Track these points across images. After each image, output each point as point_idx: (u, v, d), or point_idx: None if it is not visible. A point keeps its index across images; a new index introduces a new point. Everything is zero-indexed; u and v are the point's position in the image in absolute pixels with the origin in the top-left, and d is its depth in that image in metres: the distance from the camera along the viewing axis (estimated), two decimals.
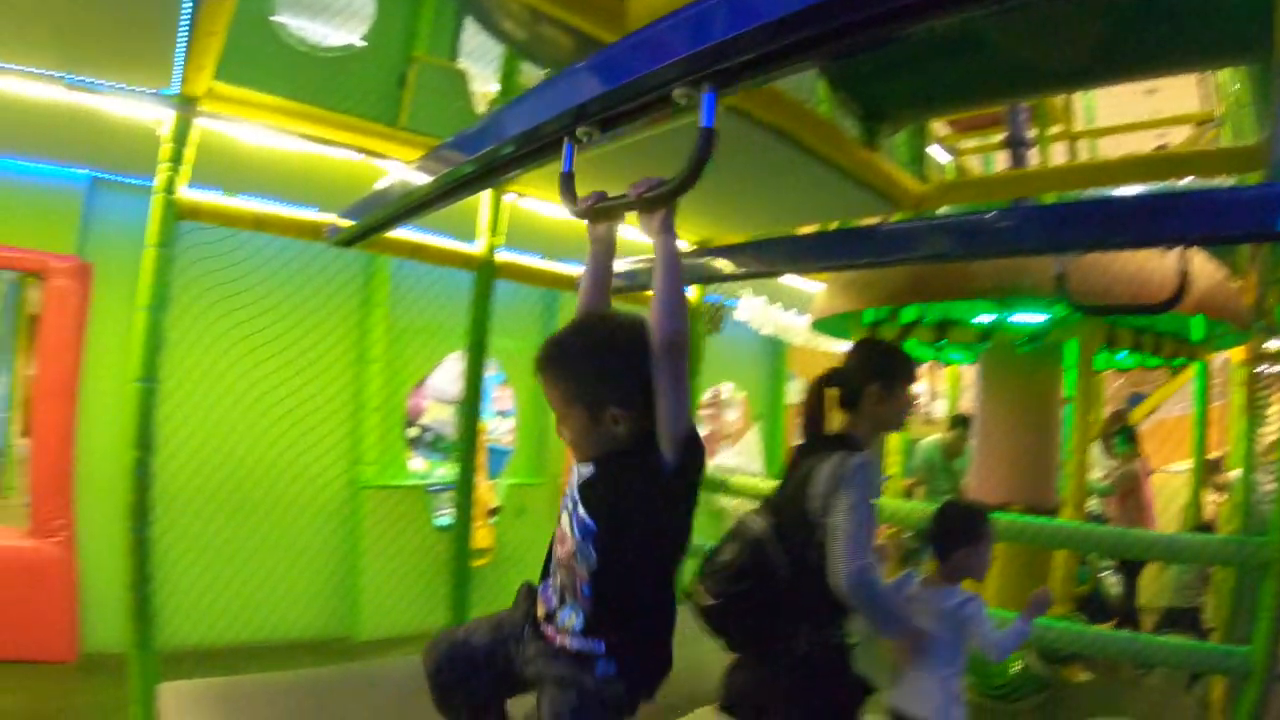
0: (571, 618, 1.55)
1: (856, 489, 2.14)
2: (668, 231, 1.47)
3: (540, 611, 1.63)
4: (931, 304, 4.30)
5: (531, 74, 3.83)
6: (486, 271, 3.80)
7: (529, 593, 1.70)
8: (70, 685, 4.24)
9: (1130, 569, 5.98)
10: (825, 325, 5.31)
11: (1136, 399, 9.00)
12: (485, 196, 3.73)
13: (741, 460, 8.20)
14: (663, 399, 1.44)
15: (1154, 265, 3.41)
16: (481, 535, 5.20)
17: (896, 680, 2.36)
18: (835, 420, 2.36)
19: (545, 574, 1.64)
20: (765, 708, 2.28)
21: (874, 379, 2.30)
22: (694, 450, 1.50)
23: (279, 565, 4.60)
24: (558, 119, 1.67)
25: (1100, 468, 6.33)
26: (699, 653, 3.47)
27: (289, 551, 4.60)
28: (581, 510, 1.53)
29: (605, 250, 1.73)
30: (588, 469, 1.55)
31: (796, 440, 2.45)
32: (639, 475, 1.49)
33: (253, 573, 4.57)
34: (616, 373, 1.50)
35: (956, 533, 2.39)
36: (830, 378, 2.36)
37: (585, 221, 1.71)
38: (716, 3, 1.26)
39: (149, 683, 3.15)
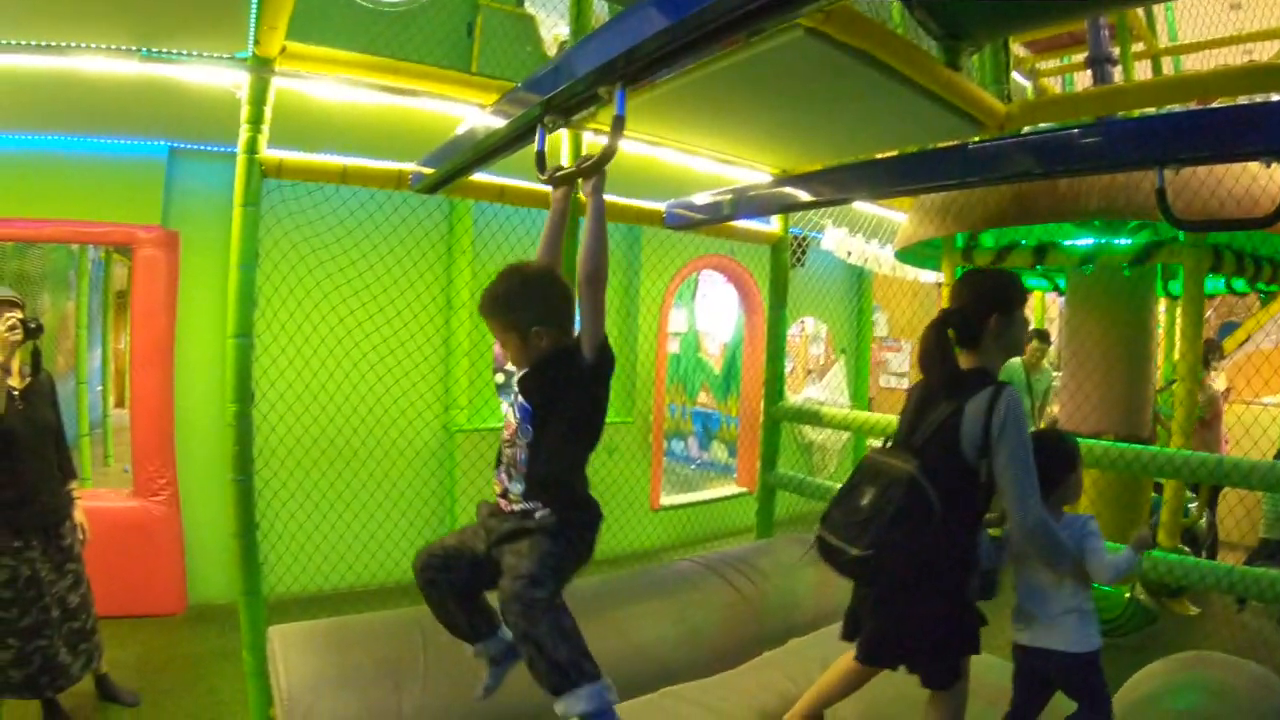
0: (517, 487, 2.06)
1: (1015, 430, 2.11)
2: (597, 194, 2.03)
3: (497, 490, 2.12)
4: (1023, 229, 4.15)
5: (601, 12, 3.77)
6: (571, 210, 3.78)
7: (486, 504, 2.18)
8: (180, 635, 4.47)
9: (1212, 501, 5.83)
10: (911, 254, 5.17)
11: (1229, 328, 8.68)
12: (565, 137, 3.70)
13: (827, 394, 8.17)
14: (585, 317, 1.99)
15: (1257, 181, 3.24)
16: None
17: (1025, 619, 2.35)
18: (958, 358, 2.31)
19: (498, 464, 2.13)
20: (911, 657, 2.28)
21: (992, 310, 2.26)
22: (607, 352, 2.03)
23: (378, 511, 4.72)
24: (526, 113, 2.24)
25: None
26: (792, 586, 3.52)
27: (387, 497, 4.71)
28: (520, 398, 2.05)
29: (561, 210, 2.30)
30: (525, 370, 2.06)
31: (920, 380, 2.39)
32: (563, 368, 2.01)
33: (352, 519, 4.71)
34: (533, 303, 2.03)
35: (1063, 460, 2.35)
36: (947, 319, 2.30)
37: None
38: (614, 26, 1.81)
39: (258, 628, 3.27)
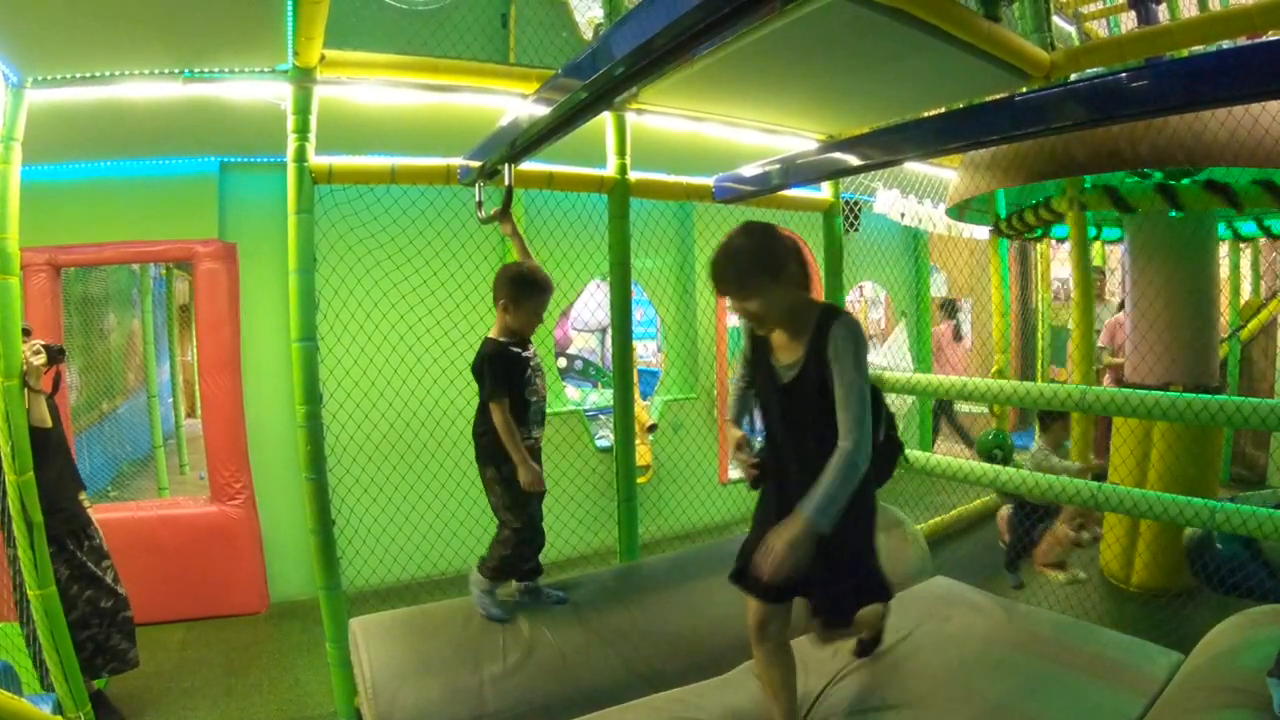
0: (538, 431, 3.15)
1: None
2: (516, 235, 3.26)
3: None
4: (1077, 179, 4.03)
5: None
6: (620, 191, 3.83)
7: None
8: (263, 632, 4.61)
9: None
10: (962, 210, 5.06)
11: None
12: (608, 120, 3.77)
13: (890, 358, 8.05)
14: None
15: None
16: (641, 453, 5.25)
17: None
18: None
19: (534, 424, 3.11)
20: None
21: None
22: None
23: (450, 500, 4.78)
24: (470, 175, 3.31)
25: None
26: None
27: (459, 486, 4.74)
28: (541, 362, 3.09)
29: (514, 235, 3.27)
30: (530, 347, 3.09)
31: None
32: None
33: (425, 511, 4.77)
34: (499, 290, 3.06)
35: None
36: None
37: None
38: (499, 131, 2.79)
39: (340, 621, 3.37)
